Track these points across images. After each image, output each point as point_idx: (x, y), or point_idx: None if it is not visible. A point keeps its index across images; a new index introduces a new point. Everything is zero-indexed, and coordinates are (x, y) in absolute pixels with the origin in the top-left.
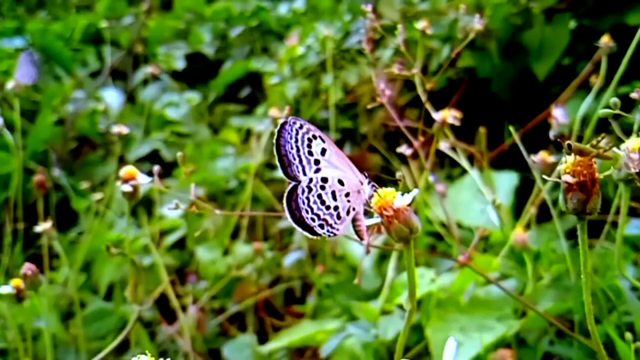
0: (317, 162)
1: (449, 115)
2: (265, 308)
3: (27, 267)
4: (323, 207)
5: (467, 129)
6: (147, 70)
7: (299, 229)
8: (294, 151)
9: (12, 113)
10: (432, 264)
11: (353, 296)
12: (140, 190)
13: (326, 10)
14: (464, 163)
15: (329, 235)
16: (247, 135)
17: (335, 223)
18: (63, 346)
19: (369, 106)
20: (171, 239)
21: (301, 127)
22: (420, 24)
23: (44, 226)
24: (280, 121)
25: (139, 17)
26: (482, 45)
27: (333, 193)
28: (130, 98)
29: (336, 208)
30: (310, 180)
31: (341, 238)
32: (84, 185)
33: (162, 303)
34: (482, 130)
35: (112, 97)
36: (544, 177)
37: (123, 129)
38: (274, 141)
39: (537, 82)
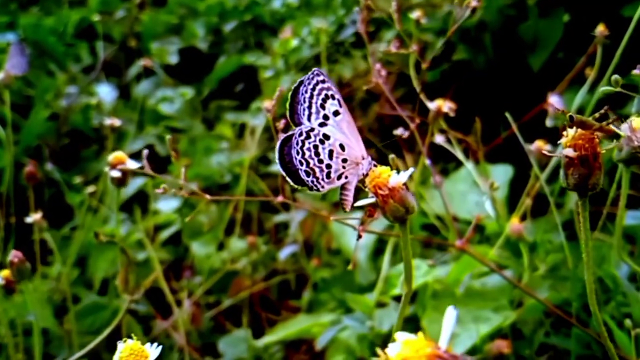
0: (325, 117)
1: (444, 104)
2: (260, 302)
3: (14, 255)
4: (315, 158)
5: (462, 122)
6: (141, 64)
7: (284, 175)
8: (307, 95)
9: (3, 107)
10: (428, 257)
11: (348, 290)
12: (130, 177)
13: (320, 4)
14: (459, 155)
15: (312, 187)
16: (242, 130)
17: (322, 179)
18: (56, 341)
19: (365, 87)
20: (166, 234)
21: (323, 81)
22: (415, 14)
23: (34, 217)
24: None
25: (131, 11)
26: (477, 38)
27: (331, 152)
28: (124, 93)
29: (329, 166)
30: (312, 129)
31: (337, 232)
32: (78, 180)
33: (156, 298)
34: (477, 119)
35: (105, 91)
36: (546, 152)
37: (115, 121)
38: (294, 87)
39: (531, 75)
